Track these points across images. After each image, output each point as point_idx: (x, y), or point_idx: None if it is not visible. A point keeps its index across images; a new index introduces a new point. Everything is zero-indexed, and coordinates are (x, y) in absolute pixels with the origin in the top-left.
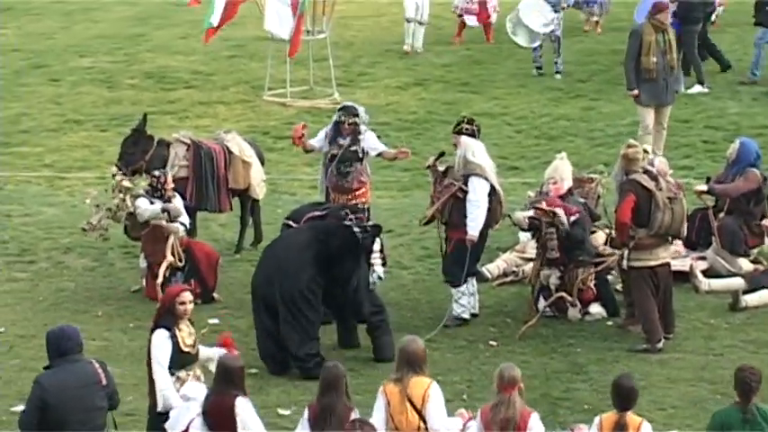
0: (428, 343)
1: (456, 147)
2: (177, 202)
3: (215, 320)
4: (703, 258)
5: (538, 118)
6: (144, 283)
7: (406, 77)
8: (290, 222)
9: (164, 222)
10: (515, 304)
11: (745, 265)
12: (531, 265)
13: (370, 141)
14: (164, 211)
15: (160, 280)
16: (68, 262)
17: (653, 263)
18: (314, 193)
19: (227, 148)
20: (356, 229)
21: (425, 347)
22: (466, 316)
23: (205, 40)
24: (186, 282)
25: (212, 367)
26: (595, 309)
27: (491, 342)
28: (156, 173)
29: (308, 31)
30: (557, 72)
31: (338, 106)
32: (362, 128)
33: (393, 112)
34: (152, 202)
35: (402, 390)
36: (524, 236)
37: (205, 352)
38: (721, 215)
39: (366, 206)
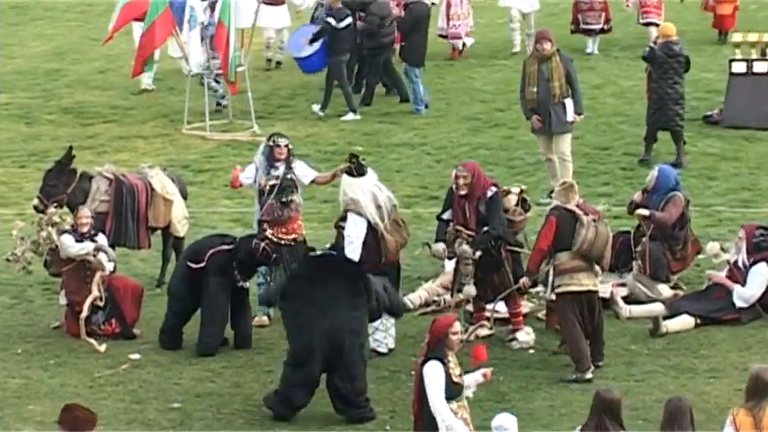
0: None
1: None
2: (101, 240)
3: (136, 356)
4: (623, 285)
5: (457, 147)
6: (64, 320)
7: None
8: (191, 264)
9: (92, 258)
10: None
11: (664, 291)
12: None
13: (301, 169)
14: (97, 250)
15: (84, 315)
16: None
17: (575, 288)
18: (235, 226)
19: (150, 184)
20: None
21: None
22: (382, 350)
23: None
24: (107, 320)
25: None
26: (523, 337)
27: (413, 372)
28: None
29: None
30: (218, 104)
31: (263, 138)
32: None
33: (313, 144)
34: (78, 240)
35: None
36: (450, 266)
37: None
38: (644, 240)
39: (303, 237)
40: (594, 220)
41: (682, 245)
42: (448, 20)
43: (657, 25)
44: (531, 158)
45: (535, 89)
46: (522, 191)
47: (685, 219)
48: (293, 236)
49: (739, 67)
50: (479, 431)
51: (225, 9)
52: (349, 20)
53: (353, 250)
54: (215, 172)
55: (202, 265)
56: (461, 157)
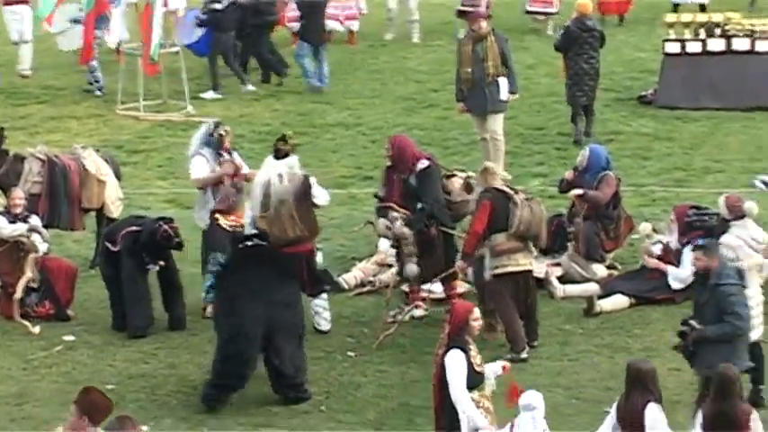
0: None
1: None
2: (34, 221)
3: (70, 337)
4: (558, 264)
5: (392, 128)
6: None
7: (260, 89)
8: (109, 245)
9: (25, 240)
10: (373, 314)
11: (599, 270)
12: (388, 273)
13: (238, 157)
14: (31, 231)
15: (18, 296)
16: None
17: (512, 268)
18: (169, 207)
19: (83, 165)
20: None
21: None
22: (324, 327)
23: (83, 60)
24: (41, 302)
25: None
26: None
27: (349, 352)
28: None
29: (161, 45)
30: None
31: (198, 118)
32: None
33: (247, 124)
34: (11, 222)
35: None
36: (384, 245)
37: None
38: (577, 220)
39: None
40: (527, 200)
41: (615, 224)
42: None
43: (547, 14)
44: (465, 138)
45: (469, 69)
46: (468, 176)
47: (617, 197)
48: (240, 222)
49: (673, 48)
50: (417, 409)
51: None
52: None
53: (248, 228)
54: (149, 152)
55: (118, 248)
56: None
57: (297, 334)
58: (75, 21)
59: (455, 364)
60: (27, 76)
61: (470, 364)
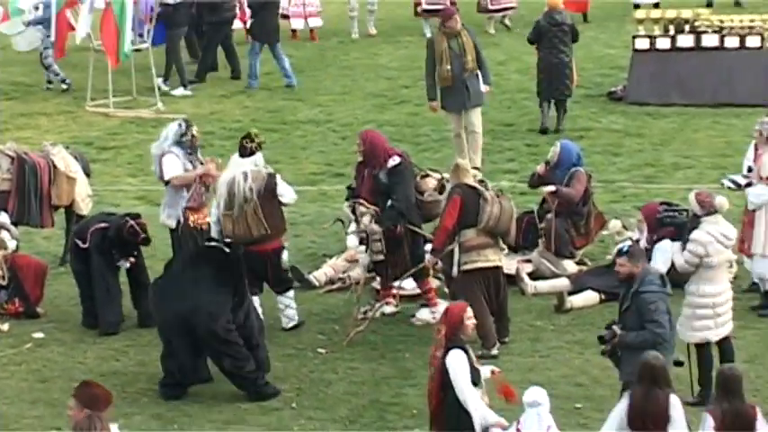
0: None
1: None
2: (3, 218)
3: (40, 334)
4: (528, 261)
5: (362, 124)
6: None
7: (230, 86)
8: (79, 242)
9: None
10: (343, 311)
11: (569, 266)
12: (358, 270)
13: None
14: (0, 227)
15: None
16: None
17: (482, 264)
18: (139, 204)
19: (53, 162)
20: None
21: None
22: (288, 325)
23: (58, 55)
24: (10, 300)
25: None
26: (423, 314)
27: (319, 349)
28: None
29: (131, 42)
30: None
31: (168, 115)
32: None
33: (217, 121)
34: None
35: None
36: (352, 242)
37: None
38: (548, 217)
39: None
40: (498, 196)
41: (585, 220)
42: None
43: (437, 11)
44: (436, 135)
45: (449, 66)
46: (442, 177)
47: (588, 194)
48: (205, 221)
49: (642, 44)
50: (388, 406)
51: None
52: None
53: (213, 226)
54: (119, 149)
55: (88, 245)
56: None
57: (224, 336)
58: (30, 23)
59: (458, 364)
60: None
61: (471, 362)
